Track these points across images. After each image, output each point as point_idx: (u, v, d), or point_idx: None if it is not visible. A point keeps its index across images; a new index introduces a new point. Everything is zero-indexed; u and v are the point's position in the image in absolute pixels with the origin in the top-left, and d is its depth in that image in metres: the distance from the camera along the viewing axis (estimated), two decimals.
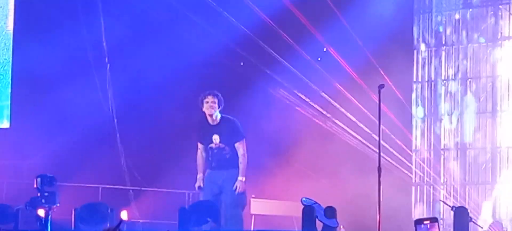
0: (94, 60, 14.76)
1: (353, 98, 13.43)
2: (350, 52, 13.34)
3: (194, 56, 13.59)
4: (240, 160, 10.94)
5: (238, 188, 10.87)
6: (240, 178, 10.88)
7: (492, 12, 14.01)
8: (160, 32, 14.11)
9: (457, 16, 14.19)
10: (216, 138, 10.99)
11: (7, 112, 16.09)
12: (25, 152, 14.52)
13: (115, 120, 14.19)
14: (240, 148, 10.92)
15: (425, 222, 8.16)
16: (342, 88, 13.55)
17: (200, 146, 11.23)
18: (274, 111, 14.03)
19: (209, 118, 10.93)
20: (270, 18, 13.47)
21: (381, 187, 9.91)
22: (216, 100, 10.88)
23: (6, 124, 15.69)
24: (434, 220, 8.22)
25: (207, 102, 10.87)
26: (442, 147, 14.09)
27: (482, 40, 13.72)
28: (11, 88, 15.63)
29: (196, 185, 11.29)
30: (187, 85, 13.48)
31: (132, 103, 14.14)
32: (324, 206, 10.77)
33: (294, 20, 13.27)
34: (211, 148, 11.03)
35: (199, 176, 11.22)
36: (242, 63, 13.68)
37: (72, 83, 14.40)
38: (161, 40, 14.02)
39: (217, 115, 10.93)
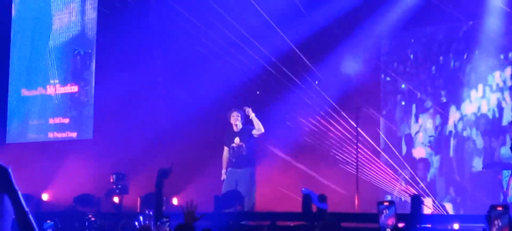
0: (158, 86, 16.39)
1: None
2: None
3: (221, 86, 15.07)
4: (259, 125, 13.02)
5: (254, 132, 13.12)
6: (258, 129, 13.09)
7: None
8: (202, 65, 15.68)
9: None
10: (237, 140, 13.25)
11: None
12: (106, 156, 15.81)
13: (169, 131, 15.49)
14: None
15: (385, 204, 9.00)
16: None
17: (225, 148, 13.41)
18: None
19: (234, 127, 13.34)
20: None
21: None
22: (239, 115, 13.39)
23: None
24: (392, 202, 9.05)
25: (233, 116, 13.38)
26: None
27: None
28: (94, 107, 17.03)
29: (222, 179, 13.37)
30: (215, 105, 15.13)
31: (181, 119, 15.46)
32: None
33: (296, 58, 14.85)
34: (232, 147, 13.21)
35: (223, 171, 13.33)
36: (258, 92, 15.45)
37: (141, 103, 16.15)
38: (202, 71, 15.60)
39: (239, 125, 13.32)
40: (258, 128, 13.26)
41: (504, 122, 14.21)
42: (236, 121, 13.42)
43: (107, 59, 16.89)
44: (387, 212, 8.61)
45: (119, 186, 13.64)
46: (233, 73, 15.26)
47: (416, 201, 11.25)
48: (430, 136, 15.35)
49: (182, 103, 15.77)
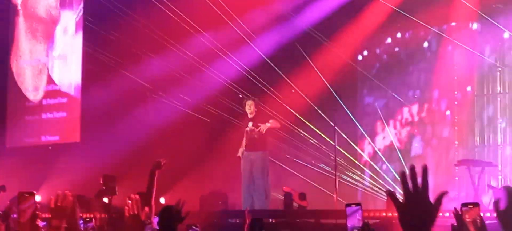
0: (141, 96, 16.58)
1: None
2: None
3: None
4: (273, 121, 13.50)
5: (262, 128, 13.39)
6: (267, 124, 13.46)
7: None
8: (188, 70, 15.90)
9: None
10: (250, 124, 13.71)
11: None
12: (95, 159, 15.95)
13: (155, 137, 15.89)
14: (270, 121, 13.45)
15: (352, 205, 10.48)
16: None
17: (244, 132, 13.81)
18: None
19: (249, 114, 13.78)
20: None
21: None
22: (253, 102, 13.86)
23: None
24: (358, 204, 9.01)
25: (246, 104, 13.85)
26: None
27: None
28: (81, 112, 17.47)
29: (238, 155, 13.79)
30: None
31: (168, 122, 15.77)
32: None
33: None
34: (246, 131, 13.68)
35: (241, 149, 13.76)
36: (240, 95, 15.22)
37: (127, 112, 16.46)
38: (188, 76, 15.91)
39: (252, 111, 13.72)
40: (277, 126, 13.76)
41: None
42: (249, 108, 13.87)
43: (94, 63, 17.14)
44: (355, 213, 8.87)
45: (108, 187, 13.82)
46: (217, 78, 15.66)
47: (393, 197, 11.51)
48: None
49: (169, 106, 16.09)
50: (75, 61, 18.05)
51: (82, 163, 16.58)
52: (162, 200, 14.41)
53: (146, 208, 8.86)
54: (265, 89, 15.43)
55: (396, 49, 16.32)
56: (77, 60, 17.96)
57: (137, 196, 9.90)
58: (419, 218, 2.89)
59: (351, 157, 15.68)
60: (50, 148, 18.04)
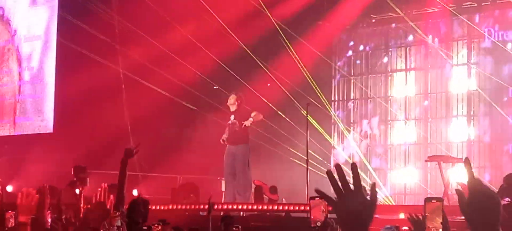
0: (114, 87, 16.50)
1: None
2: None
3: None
4: (255, 113, 13.47)
5: (247, 123, 13.41)
6: (250, 118, 13.46)
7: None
8: (162, 62, 15.85)
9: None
10: (231, 117, 13.75)
11: None
12: (69, 149, 16.01)
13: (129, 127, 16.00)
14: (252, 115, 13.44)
15: (316, 199, 10.50)
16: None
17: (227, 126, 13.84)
18: None
19: (230, 107, 13.78)
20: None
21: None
22: (234, 97, 13.82)
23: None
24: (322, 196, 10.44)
25: (229, 98, 13.83)
26: None
27: None
28: (54, 104, 17.41)
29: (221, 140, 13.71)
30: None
31: (140, 115, 15.83)
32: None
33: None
34: (228, 124, 13.73)
35: (224, 135, 13.71)
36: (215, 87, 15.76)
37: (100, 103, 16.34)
38: (161, 69, 15.81)
39: (234, 105, 13.73)
40: (260, 119, 13.82)
41: None
42: (230, 102, 13.93)
43: (68, 55, 17.16)
44: (318, 207, 8.90)
45: (79, 178, 13.77)
46: (192, 71, 15.73)
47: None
48: None
49: (142, 100, 16.07)
50: (49, 51, 17.95)
51: (55, 153, 16.57)
52: (134, 192, 14.41)
53: (112, 196, 9.01)
54: (241, 81, 15.42)
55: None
56: (52, 50, 17.86)
57: (105, 185, 9.92)
58: (356, 216, 2.76)
59: (324, 150, 15.80)
60: (23, 138, 17.97)
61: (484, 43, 16.17)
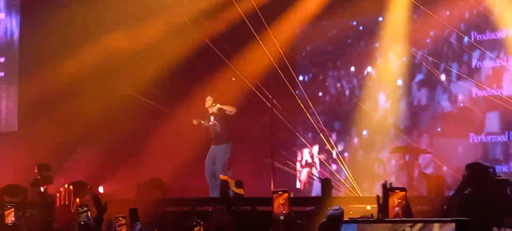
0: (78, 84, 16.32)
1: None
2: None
3: None
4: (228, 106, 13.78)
5: (227, 110, 13.75)
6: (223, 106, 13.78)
7: None
8: (127, 58, 15.72)
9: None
10: (212, 119, 14.00)
11: None
12: (33, 148, 16.03)
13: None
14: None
15: (279, 192, 9.01)
16: None
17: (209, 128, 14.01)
18: None
19: (209, 109, 13.99)
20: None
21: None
22: (211, 98, 14.06)
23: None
24: (285, 191, 9.03)
25: (206, 100, 14.04)
26: None
27: None
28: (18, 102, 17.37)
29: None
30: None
31: (105, 112, 15.66)
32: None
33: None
34: (210, 125, 13.97)
35: (204, 121, 13.92)
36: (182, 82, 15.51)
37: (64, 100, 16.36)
38: (126, 65, 15.77)
39: (212, 106, 13.97)
40: (230, 109, 13.98)
41: None
42: (208, 104, 14.14)
43: (31, 52, 17.04)
44: (280, 200, 8.89)
45: (43, 176, 13.84)
46: (158, 65, 15.64)
47: (327, 184, 11.76)
48: None
49: (106, 95, 15.96)
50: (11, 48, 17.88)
51: (19, 152, 16.62)
52: (100, 189, 14.58)
53: (78, 200, 9.04)
54: (207, 73, 15.46)
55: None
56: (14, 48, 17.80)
57: (70, 187, 9.92)
58: None
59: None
60: None
61: None
